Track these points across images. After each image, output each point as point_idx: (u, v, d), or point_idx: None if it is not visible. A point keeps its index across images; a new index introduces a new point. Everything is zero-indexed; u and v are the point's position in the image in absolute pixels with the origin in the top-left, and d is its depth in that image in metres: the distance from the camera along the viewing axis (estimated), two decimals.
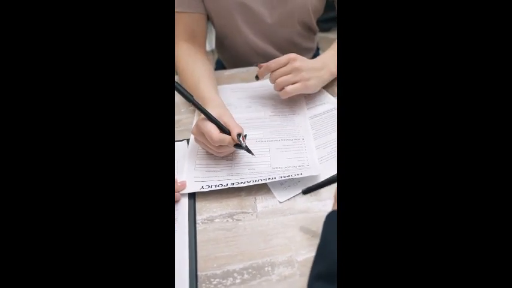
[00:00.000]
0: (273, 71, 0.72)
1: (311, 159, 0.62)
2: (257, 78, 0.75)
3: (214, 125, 0.58)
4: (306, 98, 0.78)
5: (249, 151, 0.61)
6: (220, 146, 0.59)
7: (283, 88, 0.71)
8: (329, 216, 0.46)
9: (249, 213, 0.55)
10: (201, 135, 0.60)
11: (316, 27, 0.96)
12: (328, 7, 0.92)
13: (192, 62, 0.78)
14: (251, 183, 0.57)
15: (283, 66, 0.71)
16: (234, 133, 0.58)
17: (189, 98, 0.60)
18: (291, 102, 0.77)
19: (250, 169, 0.61)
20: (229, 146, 0.59)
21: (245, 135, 0.60)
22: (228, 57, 1.01)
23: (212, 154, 0.63)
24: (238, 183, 0.57)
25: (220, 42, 0.97)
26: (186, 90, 0.60)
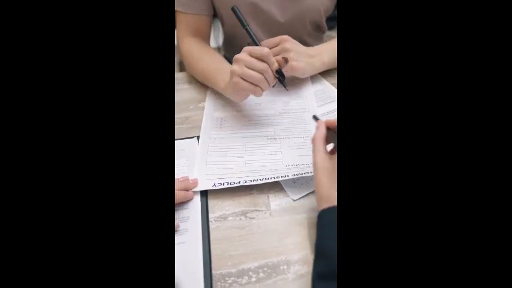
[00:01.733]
0: None
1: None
2: None
3: None
4: (316, 96, 0.77)
5: (284, 85, 0.66)
6: (262, 77, 0.61)
7: None
8: (320, 216, 0.46)
9: (262, 211, 0.54)
10: (247, 55, 0.62)
11: (325, 27, 0.95)
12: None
13: (208, 49, 0.82)
14: (264, 181, 0.56)
15: (275, 47, 0.74)
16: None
17: (244, 24, 0.68)
18: (301, 99, 0.76)
19: (261, 166, 0.60)
20: (267, 78, 0.62)
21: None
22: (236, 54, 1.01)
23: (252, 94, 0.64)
24: (251, 180, 0.57)
25: (228, 41, 0.97)
26: (243, 16, 0.69)
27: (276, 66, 0.62)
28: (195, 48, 0.82)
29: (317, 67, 0.78)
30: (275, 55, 0.73)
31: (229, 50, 1.02)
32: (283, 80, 0.65)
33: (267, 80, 0.62)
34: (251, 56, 0.62)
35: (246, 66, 0.61)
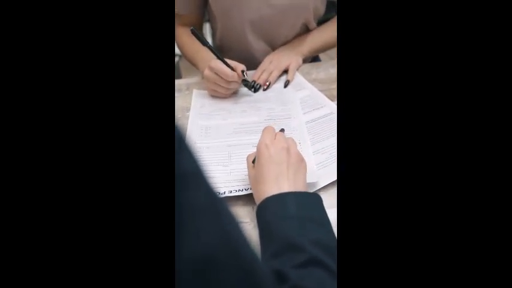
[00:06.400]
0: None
1: (308, 166, 0.61)
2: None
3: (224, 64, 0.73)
4: (302, 103, 0.76)
5: (249, 87, 0.79)
6: (230, 82, 0.74)
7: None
8: (260, 208, 0.47)
9: (246, 222, 0.53)
10: (213, 74, 0.74)
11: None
12: (327, 8, 0.91)
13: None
14: (249, 191, 0.56)
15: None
16: (239, 70, 0.74)
17: (205, 43, 0.73)
18: (286, 106, 0.76)
19: (247, 175, 0.59)
20: (237, 82, 0.76)
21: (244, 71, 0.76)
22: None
23: (219, 97, 0.79)
24: (236, 191, 0.56)
25: (216, 45, 0.97)
26: (202, 36, 0.74)
27: (240, 77, 0.75)
28: (185, 36, 0.87)
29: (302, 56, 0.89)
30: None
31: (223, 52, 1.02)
32: (247, 81, 0.79)
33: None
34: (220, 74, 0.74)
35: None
